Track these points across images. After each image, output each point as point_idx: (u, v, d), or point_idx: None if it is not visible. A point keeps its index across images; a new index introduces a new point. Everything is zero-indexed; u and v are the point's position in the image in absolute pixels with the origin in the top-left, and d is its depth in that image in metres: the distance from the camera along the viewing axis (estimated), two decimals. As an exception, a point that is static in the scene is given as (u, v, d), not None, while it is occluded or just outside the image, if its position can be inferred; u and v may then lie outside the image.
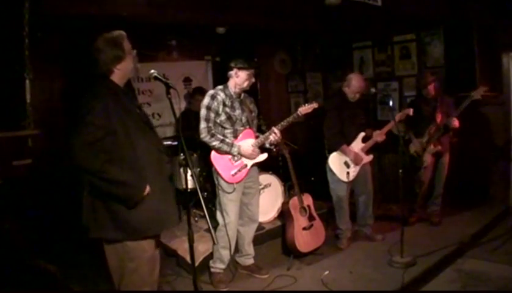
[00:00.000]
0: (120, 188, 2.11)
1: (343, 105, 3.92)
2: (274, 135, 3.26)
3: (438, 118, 4.16)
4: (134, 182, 2.14)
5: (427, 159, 4.23)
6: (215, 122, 3.22)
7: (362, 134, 3.93)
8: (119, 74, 2.29)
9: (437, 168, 4.35)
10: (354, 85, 3.86)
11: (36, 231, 4.03)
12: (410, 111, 3.84)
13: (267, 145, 3.41)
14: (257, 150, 3.29)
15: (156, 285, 2.51)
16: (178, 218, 2.46)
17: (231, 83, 3.28)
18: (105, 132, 2.11)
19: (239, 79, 3.22)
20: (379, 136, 3.88)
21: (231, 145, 3.20)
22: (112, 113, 2.14)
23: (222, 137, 3.21)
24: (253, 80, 3.28)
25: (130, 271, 2.29)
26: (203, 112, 3.21)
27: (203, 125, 3.20)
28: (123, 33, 2.30)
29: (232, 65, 3.23)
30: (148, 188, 2.17)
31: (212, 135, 3.19)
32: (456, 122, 4.04)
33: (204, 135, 3.20)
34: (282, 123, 3.33)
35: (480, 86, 3.98)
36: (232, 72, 3.24)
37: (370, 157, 3.96)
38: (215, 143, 3.18)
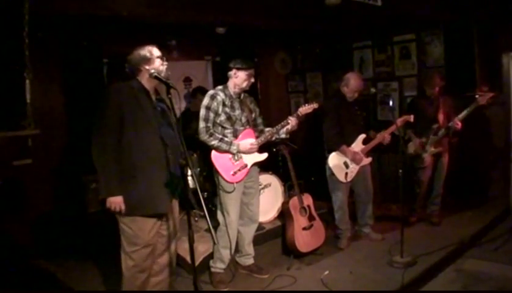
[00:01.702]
0: (100, 178, 2.44)
1: (342, 105, 3.91)
2: (292, 120, 3.27)
3: (441, 118, 4.15)
4: (107, 186, 2.41)
5: (427, 159, 4.23)
6: (215, 123, 3.23)
7: (363, 136, 3.93)
8: (147, 75, 2.51)
9: (437, 168, 4.35)
10: (352, 84, 3.86)
11: (37, 231, 4.03)
12: (411, 117, 3.82)
13: (283, 135, 3.41)
14: (255, 145, 3.28)
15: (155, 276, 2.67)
16: (169, 206, 2.60)
17: (230, 84, 3.28)
18: (113, 112, 2.41)
19: (238, 79, 3.22)
20: (382, 136, 3.85)
21: (230, 144, 3.20)
22: (123, 99, 2.43)
23: (220, 136, 3.21)
24: (252, 80, 3.27)
25: (127, 256, 2.53)
26: (202, 112, 3.22)
27: (201, 125, 3.21)
28: (153, 46, 2.59)
29: (231, 65, 3.24)
30: (116, 199, 2.41)
31: (211, 135, 3.20)
32: (459, 125, 4.04)
33: (202, 135, 3.21)
34: (282, 123, 3.33)
35: (487, 92, 3.93)
36: (231, 73, 3.24)
37: (369, 159, 3.96)
38: (214, 142, 3.19)
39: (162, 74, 2.49)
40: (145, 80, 2.55)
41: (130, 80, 2.55)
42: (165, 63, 2.58)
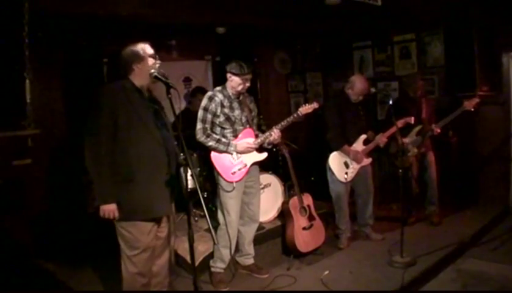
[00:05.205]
0: (94, 183, 2.38)
1: (345, 106, 3.91)
2: (274, 134, 3.27)
3: (424, 118, 4.16)
4: (101, 193, 2.35)
5: (410, 159, 4.22)
6: (213, 123, 3.23)
7: (364, 136, 3.93)
8: (139, 73, 2.48)
9: (426, 168, 4.34)
10: (358, 87, 3.85)
11: (37, 231, 4.03)
12: (412, 119, 3.83)
13: (266, 145, 3.41)
14: (252, 145, 3.28)
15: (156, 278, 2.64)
16: (168, 209, 2.55)
17: (228, 85, 3.28)
18: (107, 114, 2.33)
19: (233, 83, 3.23)
20: (381, 139, 3.87)
21: (228, 144, 3.21)
22: (116, 101, 2.36)
23: (218, 137, 3.22)
24: (248, 84, 3.25)
25: (127, 259, 2.49)
26: (200, 113, 3.23)
27: (199, 126, 3.22)
28: (145, 43, 2.53)
29: (227, 68, 3.23)
30: (109, 206, 2.35)
31: (208, 136, 3.20)
32: (438, 131, 4.08)
33: (199, 136, 3.22)
34: (282, 123, 3.33)
35: (473, 98, 3.98)
36: (227, 75, 3.25)
37: (370, 159, 3.97)
38: (212, 143, 3.20)
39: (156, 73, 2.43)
40: (137, 79, 2.49)
41: (122, 80, 2.48)
42: (158, 61, 2.52)
